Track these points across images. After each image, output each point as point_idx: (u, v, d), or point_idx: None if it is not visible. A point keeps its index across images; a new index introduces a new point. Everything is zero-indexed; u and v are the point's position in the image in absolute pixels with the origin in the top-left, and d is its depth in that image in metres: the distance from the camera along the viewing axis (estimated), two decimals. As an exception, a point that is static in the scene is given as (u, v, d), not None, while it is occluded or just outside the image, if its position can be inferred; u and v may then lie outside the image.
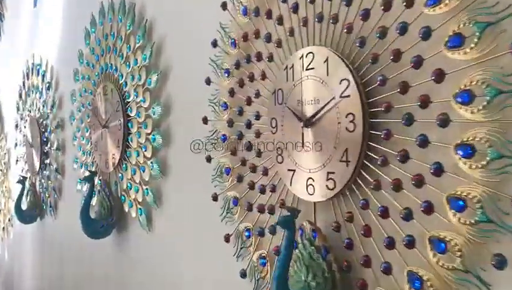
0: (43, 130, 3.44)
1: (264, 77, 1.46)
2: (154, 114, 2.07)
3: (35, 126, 3.53)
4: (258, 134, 1.49)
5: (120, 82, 2.34)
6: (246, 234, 1.56)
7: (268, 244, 1.46)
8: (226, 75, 1.63)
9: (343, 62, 1.18)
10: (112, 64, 2.43)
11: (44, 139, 3.43)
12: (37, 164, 3.53)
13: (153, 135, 2.07)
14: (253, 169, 1.52)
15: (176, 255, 2.00)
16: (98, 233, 2.38)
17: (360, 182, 1.16)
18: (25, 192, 3.61)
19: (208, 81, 1.71)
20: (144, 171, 2.16)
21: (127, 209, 2.31)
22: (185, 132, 1.93)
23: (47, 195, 3.40)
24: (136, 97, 2.19)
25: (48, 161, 3.38)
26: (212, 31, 1.68)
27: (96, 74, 2.58)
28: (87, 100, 2.71)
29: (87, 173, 2.68)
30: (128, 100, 2.27)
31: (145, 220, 2.16)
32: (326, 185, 1.23)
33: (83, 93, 2.76)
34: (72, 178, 3.00)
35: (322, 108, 1.23)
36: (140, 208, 2.19)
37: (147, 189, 2.14)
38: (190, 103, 1.90)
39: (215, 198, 1.68)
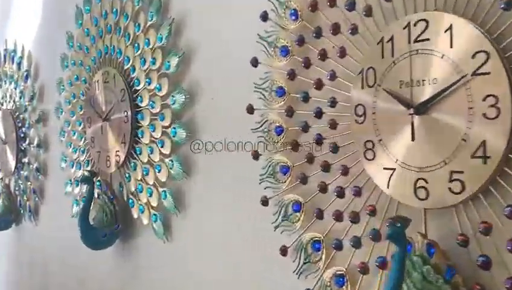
0: (20, 124, 3.02)
1: (343, 54, 1.19)
2: (174, 103, 1.75)
3: (9, 120, 3.11)
4: (333, 124, 1.22)
5: (126, 67, 2.01)
6: (314, 246, 1.28)
7: (349, 259, 1.19)
8: (283, 54, 1.34)
9: (479, 30, 0.92)
10: (113, 46, 2.08)
11: (22, 135, 3.02)
12: (12, 163, 3.11)
13: (173, 128, 1.76)
14: (326, 167, 1.24)
15: (205, 271, 1.69)
16: (100, 243, 2.04)
17: (504, 184, 0.91)
18: (-3, 195, 3.19)
19: (255, 62, 1.41)
20: (159, 170, 1.84)
21: (136, 215, 1.98)
22: (217, 123, 1.63)
23: (25, 198, 2.99)
24: (149, 84, 1.87)
25: (26, 160, 2.97)
26: (256, 1, 1.40)
27: (93, 58, 2.23)
28: (79, 89, 2.35)
29: (80, 173, 2.33)
30: (138, 88, 1.94)
31: (161, 228, 1.85)
32: (449, 188, 0.97)
33: (73, 82, 2.39)
34: (58, 179, 2.62)
35: (445, 89, 0.96)
36: (155, 214, 1.87)
37: (164, 191, 1.82)
38: (225, 89, 1.60)
39: (265, 202, 1.40)
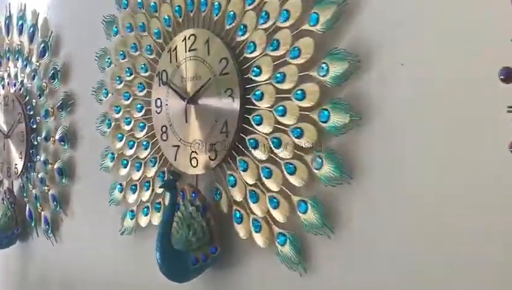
0: (32, 112, 2.37)
1: None
2: (325, 75, 1.21)
3: (14, 108, 2.45)
4: None
5: (228, 27, 1.44)
6: None
7: None
8: None
9: None
10: (205, 0, 1.50)
11: (34, 126, 2.36)
12: (18, 162, 2.44)
13: (323, 110, 1.21)
14: None
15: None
16: (188, 273, 1.44)
17: None
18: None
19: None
20: (292, 172, 1.28)
21: (244, 235, 1.41)
22: (410, 98, 1.10)
23: (39, 207, 2.33)
24: (274, 49, 1.31)
25: (41, 158, 2.31)
26: None
27: (165, 18, 1.63)
28: (139, 62, 1.74)
29: (139, 176, 1.73)
30: (249, 56, 1.37)
31: (294, 254, 1.29)
32: None
33: (129, 52, 1.78)
34: (93, 182, 2.02)
35: None
36: (282, 234, 1.31)
37: (302, 202, 1.26)
38: (426, 48, 1.07)
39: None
